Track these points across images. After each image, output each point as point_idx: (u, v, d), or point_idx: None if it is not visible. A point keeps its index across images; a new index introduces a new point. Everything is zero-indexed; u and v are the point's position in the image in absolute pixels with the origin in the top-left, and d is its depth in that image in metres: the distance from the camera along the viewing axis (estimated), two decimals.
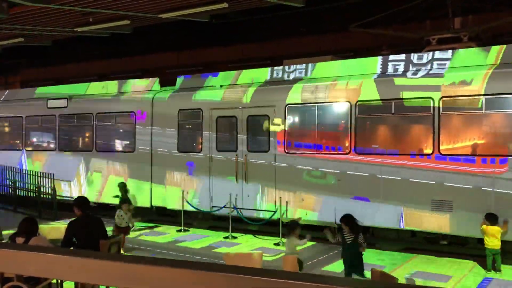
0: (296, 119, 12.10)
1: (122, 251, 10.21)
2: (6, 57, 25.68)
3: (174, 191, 13.55)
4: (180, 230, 12.81)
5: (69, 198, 15.02)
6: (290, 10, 17.03)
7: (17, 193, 16.33)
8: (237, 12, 16.44)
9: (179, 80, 14.38)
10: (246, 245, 11.27)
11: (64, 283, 7.15)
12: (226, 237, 11.94)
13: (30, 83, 27.08)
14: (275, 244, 11.24)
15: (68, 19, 14.95)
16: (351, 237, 7.56)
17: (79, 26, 15.63)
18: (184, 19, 15.17)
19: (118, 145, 15.37)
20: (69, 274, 1.79)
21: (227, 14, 17.12)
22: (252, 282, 1.53)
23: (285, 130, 11.92)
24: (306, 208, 11.56)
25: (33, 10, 13.65)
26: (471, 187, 9.65)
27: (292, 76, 12.40)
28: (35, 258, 1.78)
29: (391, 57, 11.12)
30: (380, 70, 11.18)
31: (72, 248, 6.82)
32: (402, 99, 10.44)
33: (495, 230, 8.72)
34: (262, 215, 12.12)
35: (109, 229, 9.21)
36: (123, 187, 13.20)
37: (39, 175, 15.88)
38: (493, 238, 8.69)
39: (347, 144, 11.12)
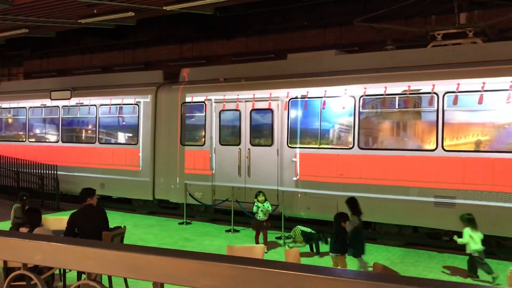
0: None
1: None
2: (9, 48, 25.65)
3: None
4: (182, 223, 12.85)
5: None
6: (295, 4, 16.97)
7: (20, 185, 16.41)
8: (241, 5, 16.37)
9: None
10: (248, 238, 11.29)
11: (67, 273, 7.19)
12: (228, 230, 11.97)
13: (33, 75, 27.09)
14: (277, 238, 11.25)
15: (73, 10, 14.91)
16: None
17: (83, 17, 15.59)
18: (188, 12, 15.12)
19: None
20: (75, 263, 1.79)
21: (232, 7, 17.05)
22: (257, 273, 1.53)
23: None
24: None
25: (37, 0, 13.62)
26: None
27: None
28: (41, 247, 1.78)
29: None
30: None
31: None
32: None
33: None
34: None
35: None
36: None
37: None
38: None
39: None
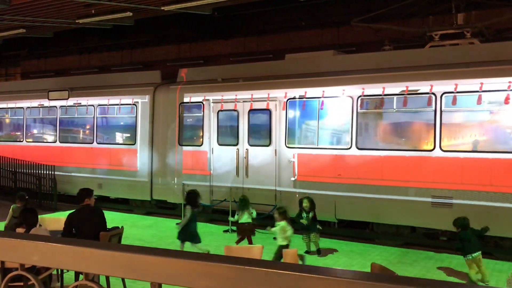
0: None
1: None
2: (6, 48, 25.59)
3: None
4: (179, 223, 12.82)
5: None
6: (292, 4, 16.96)
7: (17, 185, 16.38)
8: (239, 5, 16.36)
9: None
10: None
11: (64, 274, 7.18)
12: (226, 231, 11.96)
13: (30, 75, 27.03)
14: (274, 238, 11.24)
15: (70, 10, 14.88)
16: None
17: (81, 17, 15.57)
18: (186, 12, 15.11)
19: None
20: (73, 264, 1.79)
21: (230, 7, 17.04)
22: (255, 273, 1.53)
23: None
24: None
25: (35, 0, 13.60)
26: None
27: None
28: (38, 248, 1.78)
29: None
30: None
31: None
32: None
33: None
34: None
35: None
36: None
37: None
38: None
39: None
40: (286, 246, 8.64)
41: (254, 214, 10.33)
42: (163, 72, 15.25)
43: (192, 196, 9.51)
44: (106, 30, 19.09)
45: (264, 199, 12.02)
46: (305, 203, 9.97)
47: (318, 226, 10.06)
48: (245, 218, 10.22)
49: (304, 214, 9.90)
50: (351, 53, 14.15)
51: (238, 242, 10.21)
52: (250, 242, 10.22)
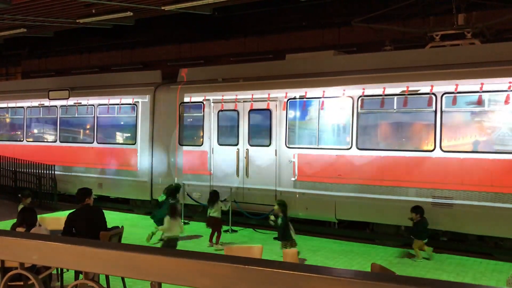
0: None
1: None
2: (7, 48, 25.60)
3: None
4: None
5: None
6: (293, 4, 16.98)
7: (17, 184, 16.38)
8: (240, 5, 16.37)
9: None
10: (246, 239, 11.28)
11: (64, 273, 7.18)
12: (226, 231, 11.95)
13: (31, 74, 27.04)
14: (274, 238, 11.24)
15: (71, 10, 14.89)
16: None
17: (82, 17, 15.57)
18: (186, 12, 15.12)
19: None
20: (73, 263, 1.79)
21: (230, 7, 17.05)
22: (255, 272, 1.53)
23: None
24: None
25: (35, 0, 13.60)
26: None
27: None
28: (38, 247, 1.78)
29: None
30: None
31: None
32: None
33: None
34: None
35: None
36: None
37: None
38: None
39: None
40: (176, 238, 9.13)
41: (225, 207, 11.05)
42: (163, 72, 15.25)
43: (174, 189, 11.29)
44: (107, 30, 19.10)
45: (264, 199, 12.02)
46: (275, 206, 9.42)
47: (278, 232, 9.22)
48: (212, 211, 10.70)
49: (278, 219, 9.26)
50: (352, 53, 14.15)
51: (211, 236, 10.62)
52: (219, 235, 10.54)
